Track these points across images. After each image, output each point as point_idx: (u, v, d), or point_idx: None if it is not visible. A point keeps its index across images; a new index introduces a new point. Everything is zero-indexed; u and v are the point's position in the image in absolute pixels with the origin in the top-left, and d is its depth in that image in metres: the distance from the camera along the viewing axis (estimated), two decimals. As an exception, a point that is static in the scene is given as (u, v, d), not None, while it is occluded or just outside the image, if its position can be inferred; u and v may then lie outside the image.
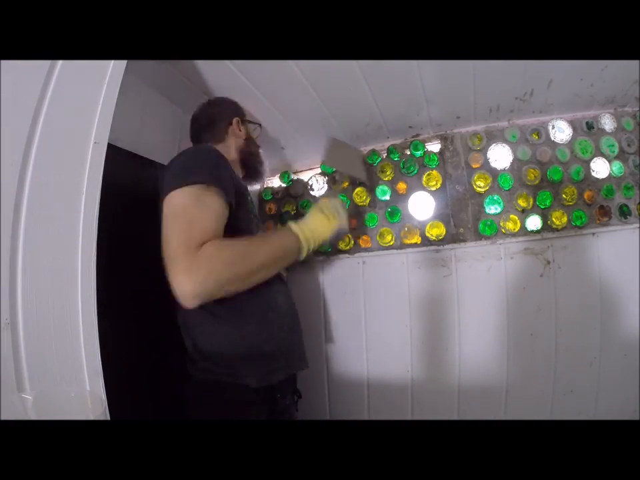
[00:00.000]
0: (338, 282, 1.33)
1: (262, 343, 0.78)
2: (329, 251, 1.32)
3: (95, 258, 0.51)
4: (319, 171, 1.40)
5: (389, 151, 1.31)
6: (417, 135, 1.31)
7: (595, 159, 1.21)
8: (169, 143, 1.10)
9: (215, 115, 1.00)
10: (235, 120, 1.00)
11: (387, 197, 1.29)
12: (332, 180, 1.35)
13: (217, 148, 0.85)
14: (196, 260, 0.62)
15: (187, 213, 0.68)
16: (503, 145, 1.23)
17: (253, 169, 1.03)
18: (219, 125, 0.99)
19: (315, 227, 0.83)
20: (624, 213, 1.18)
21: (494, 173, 1.21)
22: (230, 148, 0.97)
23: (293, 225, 0.81)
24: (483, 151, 1.24)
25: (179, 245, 0.64)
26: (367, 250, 1.29)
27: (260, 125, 1.11)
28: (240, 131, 1.01)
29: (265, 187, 1.48)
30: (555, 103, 1.23)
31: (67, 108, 0.51)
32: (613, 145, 1.22)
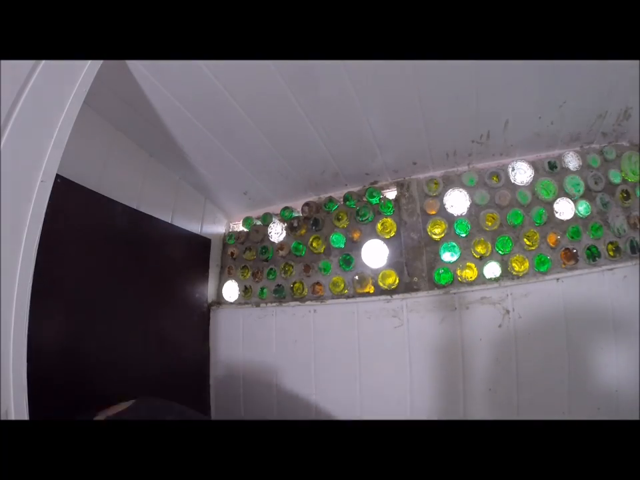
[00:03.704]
0: (289, 329, 1.30)
1: None
2: (283, 297, 1.33)
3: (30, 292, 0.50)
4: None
5: (345, 198, 1.32)
6: (375, 182, 1.31)
7: (559, 199, 1.17)
8: (133, 184, 1.12)
9: None
10: None
11: (342, 245, 1.29)
12: (290, 227, 1.38)
13: None
14: None
15: None
16: (460, 190, 1.21)
17: None
18: None
19: None
20: (593, 254, 1.12)
21: (450, 219, 1.19)
22: None
23: None
24: (440, 196, 1.22)
25: None
26: (318, 298, 1.28)
27: None
28: None
29: (229, 231, 1.54)
30: (515, 144, 1.20)
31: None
32: (578, 184, 1.18)
